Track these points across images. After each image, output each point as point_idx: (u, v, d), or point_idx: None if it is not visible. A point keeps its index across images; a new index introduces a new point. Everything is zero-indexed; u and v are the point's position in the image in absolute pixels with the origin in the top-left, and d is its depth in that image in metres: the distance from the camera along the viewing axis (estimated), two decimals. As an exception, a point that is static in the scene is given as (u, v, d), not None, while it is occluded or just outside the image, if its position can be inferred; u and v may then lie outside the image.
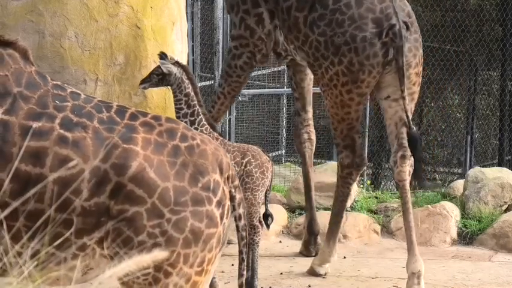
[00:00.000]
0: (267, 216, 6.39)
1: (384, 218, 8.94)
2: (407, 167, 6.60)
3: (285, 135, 11.84)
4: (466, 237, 8.56)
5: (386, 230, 8.78)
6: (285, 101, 11.83)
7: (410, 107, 6.65)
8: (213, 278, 6.17)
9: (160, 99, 7.30)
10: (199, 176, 3.28)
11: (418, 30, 6.74)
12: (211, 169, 3.31)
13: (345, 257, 7.87)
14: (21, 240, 3.11)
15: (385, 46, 6.38)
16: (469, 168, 10.21)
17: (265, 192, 6.32)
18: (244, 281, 3.67)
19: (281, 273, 7.24)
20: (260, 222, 6.34)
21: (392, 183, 13.10)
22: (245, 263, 3.64)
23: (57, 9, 7.60)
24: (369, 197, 9.41)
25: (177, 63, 6.11)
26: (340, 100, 6.57)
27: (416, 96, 6.78)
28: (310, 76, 7.48)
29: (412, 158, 6.59)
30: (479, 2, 12.99)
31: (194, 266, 3.26)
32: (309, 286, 6.86)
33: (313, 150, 7.89)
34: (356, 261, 7.75)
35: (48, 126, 3.20)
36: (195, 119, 6.06)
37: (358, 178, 7.08)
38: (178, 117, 6.07)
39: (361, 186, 9.88)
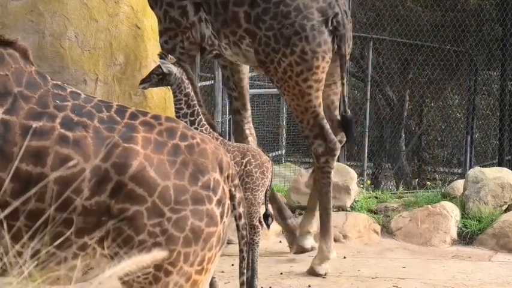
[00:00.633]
0: (267, 216, 6.39)
1: (384, 218, 8.95)
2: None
3: (285, 135, 11.85)
4: (466, 237, 8.56)
5: (386, 230, 8.78)
6: (285, 101, 11.82)
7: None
8: (213, 277, 6.17)
9: (160, 99, 7.30)
10: (199, 175, 3.28)
11: (350, 20, 7.00)
12: (211, 168, 3.32)
13: (345, 257, 7.87)
14: (22, 239, 3.11)
15: (332, 34, 6.57)
16: (469, 168, 10.21)
17: (265, 192, 6.33)
18: (244, 281, 3.67)
19: (281, 273, 7.24)
20: (260, 222, 6.34)
21: (392, 183, 13.11)
22: (245, 262, 3.64)
23: (57, 9, 7.61)
24: (369, 197, 9.41)
25: (177, 63, 6.11)
26: (298, 90, 6.67)
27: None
28: (248, 75, 7.55)
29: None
30: (479, 2, 13.00)
31: (194, 264, 3.27)
32: (309, 286, 6.86)
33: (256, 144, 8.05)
34: (356, 261, 7.75)
35: (48, 126, 3.20)
36: (195, 119, 6.06)
37: (331, 165, 7.14)
38: (178, 117, 6.07)
39: (361, 186, 9.88)
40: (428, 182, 11.78)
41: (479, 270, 7.57)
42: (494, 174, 8.97)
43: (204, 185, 3.28)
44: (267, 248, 7.97)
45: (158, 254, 2.82)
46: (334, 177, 9.09)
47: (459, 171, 13.24)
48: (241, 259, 3.62)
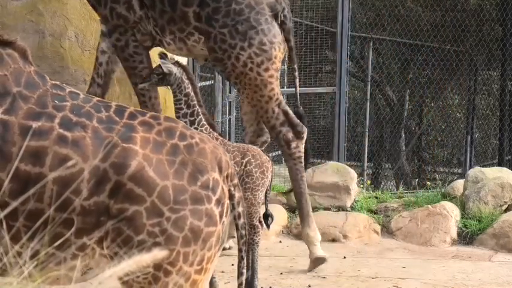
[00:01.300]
0: (267, 216, 6.40)
1: (384, 218, 8.94)
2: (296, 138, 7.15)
3: (285, 135, 11.82)
4: (466, 237, 8.56)
5: (387, 230, 8.78)
6: (284, 101, 11.82)
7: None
8: (213, 277, 6.17)
9: (161, 99, 7.30)
10: (198, 175, 3.28)
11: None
12: (210, 168, 3.32)
13: (345, 257, 7.87)
14: (21, 240, 3.11)
15: (280, 27, 6.79)
16: (469, 168, 10.21)
17: (265, 192, 6.33)
18: (244, 280, 3.67)
19: (281, 273, 7.24)
20: (260, 222, 6.34)
21: (392, 183, 13.11)
22: (244, 261, 3.64)
23: (57, 9, 7.62)
24: (369, 197, 9.41)
25: (177, 63, 6.11)
26: (260, 80, 6.79)
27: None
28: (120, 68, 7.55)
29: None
30: (479, 2, 13.00)
31: (194, 264, 3.27)
32: (309, 286, 6.86)
33: None
34: (356, 261, 7.75)
35: (47, 126, 3.20)
36: (195, 119, 6.06)
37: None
38: (178, 117, 6.07)
39: (361, 186, 9.88)
40: (428, 182, 11.78)
41: (479, 270, 7.57)
42: (494, 174, 8.97)
43: (203, 184, 3.27)
44: (267, 248, 7.97)
45: (158, 254, 2.82)
46: (334, 177, 9.13)
47: (459, 171, 13.24)
48: (240, 259, 3.62)
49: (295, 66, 6.99)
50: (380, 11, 13.10)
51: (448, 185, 10.12)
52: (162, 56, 6.17)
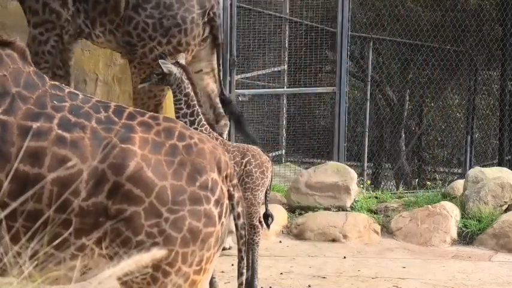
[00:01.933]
0: (267, 216, 6.40)
1: (384, 218, 8.95)
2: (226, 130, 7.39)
3: (285, 135, 11.85)
4: (466, 237, 8.56)
5: (387, 230, 8.78)
6: (285, 101, 11.83)
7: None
8: (213, 277, 6.18)
9: (160, 99, 7.29)
10: (197, 175, 3.27)
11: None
12: (209, 168, 3.31)
13: (345, 257, 7.87)
14: (20, 240, 3.11)
15: (205, 25, 6.85)
16: (469, 168, 10.21)
17: (265, 192, 6.33)
18: (244, 281, 3.66)
19: (281, 273, 7.24)
20: (260, 222, 6.34)
21: (392, 183, 13.12)
22: (244, 261, 3.64)
23: (57, 9, 7.59)
24: (369, 197, 9.41)
25: (177, 63, 6.11)
26: None
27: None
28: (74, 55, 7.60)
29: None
30: (479, 2, 12.99)
31: (193, 265, 3.26)
32: (309, 286, 6.86)
33: None
34: (356, 261, 7.75)
35: (46, 127, 3.20)
36: (195, 119, 6.06)
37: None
38: (177, 117, 6.07)
39: (361, 186, 9.88)
40: (428, 182, 11.78)
41: (479, 270, 7.57)
42: (494, 174, 8.97)
43: (202, 185, 3.27)
44: (267, 248, 7.97)
45: (157, 253, 2.82)
46: (334, 177, 9.14)
47: (459, 171, 13.23)
48: (240, 259, 3.62)
49: (220, 61, 7.07)
50: (380, 11, 13.10)
51: (448, 185, 10.12)
52: (162, 56, 6.17)
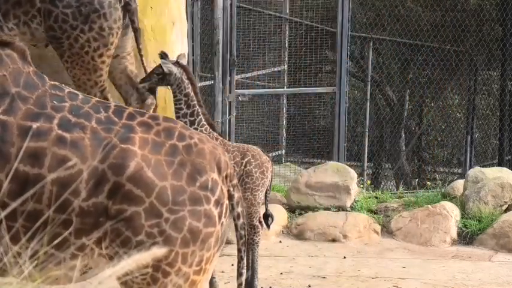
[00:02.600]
0: (268, 216, 6.39)
1: (384, 218, 8.95)
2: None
3: (285, 135, 11.86)
4: (466, 237, 8.56)
5: (386, 230, 8.78)
6: (285, 101, 11.83)
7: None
8: (213, 277, 6.18)
9: (160, 99, 7.30)
10: (197, 175, 3.27)
11: None
12: (209, 168, 3.31)
13: (345, 257, 7.87)
14: (20, 240, 3.10)
15: (124, 9, 6.84)
16: (469, 168, 10.21)
17: (265, 193, 6.32)
18: (244, 281, 3.66)
19: (281, 273, 7.24)
20: (260, 222, 6.34)
21: (392, 183, 13.12)
22: (244, 261, 3.64)
23: (57, 9, 7.59)
24: (369, 197, 9.41)
25: (177, 63, 6.11)
26: (93, 65, 6.90)
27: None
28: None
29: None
30: (479, 2, 12.99)
31: (193, 265, 3.26)
32: (309, 286, 6.86)
33: None
34: (356, 261, 7.75)
35: (46, 127, 3.20)
36: (195, 119, 6.06)
37: None
38: (178, 117, 6.07)
39: (361, 186, 9.88)
40: (428, 182, 11.78)
41: (479, 270, 7.57)
42: (494, 174, 8.97)
43: (202, 185, 3.27)
44: (267, 248, 7.97)
45: (158, 252, 2.82)
46: (334, 177, 9.14)
47: (459, 171, 13.23)
48: (239, 259, 3.61)
49: (141, 46, 7.06)
50: (380, 11, 13.10)
51: (448, 185, 10.12)
52: (163, 55, 6.17)
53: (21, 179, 3.12)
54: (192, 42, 10.36)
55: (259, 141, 11.41)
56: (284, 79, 11.90)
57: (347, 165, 9.75)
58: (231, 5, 9.90)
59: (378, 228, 8.74)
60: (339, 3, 10.26)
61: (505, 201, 8.80)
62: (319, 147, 11.53)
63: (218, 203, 3.31)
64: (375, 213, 9.07)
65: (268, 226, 6.44)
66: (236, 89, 10.16)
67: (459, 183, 9.37)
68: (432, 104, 14.17)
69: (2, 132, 3.15)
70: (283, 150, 11.89)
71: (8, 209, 3.00)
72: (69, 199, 3.13)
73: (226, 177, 3.40)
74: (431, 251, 8.29)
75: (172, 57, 6.41)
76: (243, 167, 6.16)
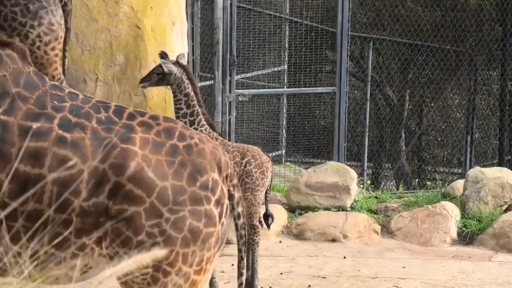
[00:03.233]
0: (268, 216, 6.39)
1: (384, 218, 8.95)
2: None
3: (285, 135, 11.86)
4: (466, 237, 8.56)
5: (386, 230, 8.78)
6: (285, 101, 11.83)
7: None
8: (213, 277, 6.18)
9: (160, 99, 7.31)
10: (197, 175, 3.27)
11: None
12: (209, 168, 3.31)
13: (345, 257, 7.87)
14: (20, 240, 3.10)
15: (62, 9, 6.99)
16: (469, 168, 10.21)
17: (266, 193, 6.32)
18: (244, 281, 3.66)
19: (281, 273, 7.24)
20: (260, 222, 6.34)
21: (392, 183, 13.12)
22: (244, 261, 3.64)
23: (57, 9, 7.60)
24: (369, 197, 9.41)
25: (177, 63, 6.11)
26: (47, 59, 6.97)
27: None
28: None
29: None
30: (479, 2, 12.99)
31: (193, 265, 3.26)
32: (309, 286, 6.86)
33: None
34: (356, 261, 7.75)
35: (46, 127, 3.20)
36: (195, 119, 6.06)
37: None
38: (177, 117, 6.07)
39: (361, 186, 9.88)
40: (428, 182, 11.78)
41: (479, 270, 7.57)
42: (494, 174, 8.97)
43: (203, 185, 3.27)
44: (267, 248, 7.98)
45: (158, 253, 2.82)
46: (334, 177, 9.14)
47: (459, 171, 13.23)
48: (240, 259, 3.61)
49: (67, 47, 7.13)
50: (380, 11, 13.10)
51: (448, 185, 10.12)
52: (163, 55, 6.17)
53: (21, 179, 3.12)
54: (192, 42, 10.36)
55: (259, 141, 11.41)
56: (284, 79, 11.90)
57: (347, 165, 9.75)
58: (231, 5, 9.90)
59: (378, 228, 8.74)
60: (339, 3, 10.26)
61: (505, 201, 8.80)
62: (319, 147, 11.53)
63: (218, 203, 3.31)
64: (375, 213, 9.08)
65: (268, 226, 6.44)
66: (236, 89, 10.16)
67: (459, 183, 9.37)
68: (432, 104, 14.17)
69: (2, 133, 3.15)
70: (283, 150, 11.90)
71: (8, 209, 3.00)
72: (70, 199, 3.13)
73: (226, 177, 3.40)
74: (431, 251, 8.29)
75: (172, 57, 6.40)
76: (242, 167, 6.16)
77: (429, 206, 8.80)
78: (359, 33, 12.71)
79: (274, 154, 11.56)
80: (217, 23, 9.93)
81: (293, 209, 9.09)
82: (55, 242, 3.06)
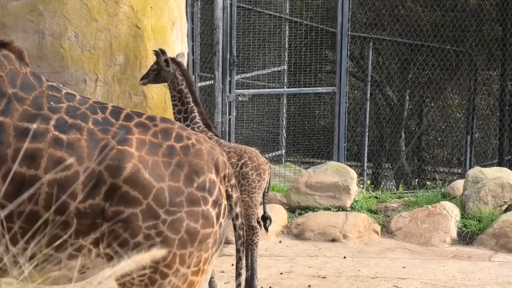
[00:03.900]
0: (265, 218, 6.37)
1: (384, 218, 8.94)
2: None
3: (285, 135, 11.86)
4: (466, 237, 8.56)
5: (386, 230, 8.78)
6: (285, 101, 11.83)
7: None
8: (212, 277, 6.17)
9: (160, 99, 7.30)
10: (194, 176, 3.26)
11: None
12: (206, 169, 3.30)
13: (345, 257, 7.87)
14: (17, 241, 3.10)
15: None
16: (469, 168, 10.21)
17: (263, 195, 6.29)
18: (243, 281, 3.65)
19: (281, 273, 7.24)
20: (259, 223, 6.32)
21: (392, 183, 13.12)
22: (242, 262, 3.63)
23: (57, 9, 7.61)
24: (369, 197, 9.41)
25: (172, 60, 6.13)
26: None
27: None
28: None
29: None
30: (479, 1, 12.99)
31: (190, 266, 3.25)
32: (309, 286, 6.86)
33: None
34: (356, 261, 7.75)
35: (43, 128, 3.19)
36: (188, 116, 6.07)
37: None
38: (174, 113, 6.12)
39: (361, 186, 9.88)
40: (428, 182, 11.78)
41: (479, 270, 7.57)
42: (494, 174, 8.96)
43: (200, 186, 3.26)
44: (267, 248, 7.98)
45: (157, 253, 2.82)
46: (334, 177, 9.13)
47: (459, 171, 13.23)
48: (238, 259, 3.61)
49: None
50: (380, 11, 13.10)
51: (448, 185, 10.12)
52: (158, 52, 6.18)
53: (17, 181, 3.12)
54: (192, 42, 10.36)
55: (259, 141, 11.41)
56: (284, 79, 11.89)
57: (347, 165, 9.75)
58: (231, 5, 9.90)
59: (378, 228, 8.74)
60: (339, 3, 10.26)
61: (505, 201, 8.80)
62: (319, 147, 11.53)
63: (216, 203, 3.30)
64: (375, 213, 9.07)
65: (266, 229, 6.41)
66: (236, 89, 10.16)
67: (459, 183, 9.36)
68: (432, 104, 14.17)
69: (-2, 134, 3.15)
70: (283, 150, 11.89)
71: (5, 210, 3.00)
72: (66, 201, 3.12)
73: (224, 177, 3.39)
74: (431, 251, 8.29)
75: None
76: (238, 169, 6.13)
77: (429, 206, 8.80)
78: (359, 33, 12.71)
79: (274, 154, 11.56)
80: (217, 23, 9.93)
81: (293, 209, 9.09)
82: (54, 244, 3.06)
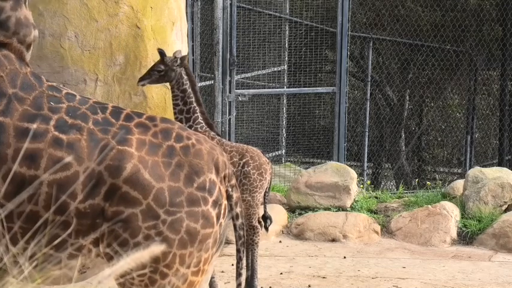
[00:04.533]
0: (266, 218, 6.37)
1: (384, 218, 8.95)
2: None
3: (284, 135, 11.86)
4: (466, 237, 8.56)
5: (386, 230, 8.78)
6: (285, 101, 11.83)
7: None
8: (213, 277, 6.17)
9: (160, 99, 7.30)
10: (194, 176, 3.26)
11: None
12: (206, 169, 3.30)
13: (345, 257, 7.87)
14: (17, 241, 3.10)
15: None
16: (469, 168, 10.21)
17: (264, 194, 6.29)
18: (243, 281, 3.66)
19: (281, 273, 7.24)
20: (259, 222, 6.33)
21: (392, 183, 13.12)
22: (243, 262, 3.63)
23: (57, 9, 7.61)
24: (369, 197, 9.41)
25: (176, 59, 6.12)
26: None
27: None
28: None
29: None
30: (479, 1, 12.99)
31: (190, 266, 3.25)
32: (309, 286, 6.86)
33: None
34: (356, 261, 7.75)
35: (43, 128, 3.19)
36: (191, 116, 6.05)
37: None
38: (174, 113, 6.10)
39: (361, 186, 9.88)
40: (428, 182, 11.78)
41: (479, 270, 7.57)
42: (494, 174, 8.97)
43: (200, 186, 3.26)
44: (267, 248, 7.98)
45: (156, 249, 2.81)
46: (334, 177, 9.14)
47: (459, 171, 13.24)
48: (238, 259, 3.61)
49: None
50: (380, 11, 13.10)
51: (448, 185, 10.12)
52: (162, 52, 6.18)
53: (17, 181, 3.12)
54: (192, 42, 10.36)
55: (259, 141, 11.41)
56: (284, 79, 11.89)
57: (347, 165, 9.75)
58: (231, 5, 9.90)
59: (378, 228, 8.74)
60: (339, 3, 10.26)
61: (504, 201, 8.80)
62: (319, 147, 11.53)
63: (216, 203, 3.30)
64: (375, 213, 9.08)
65: (266, 228, 6.42)
66: (236, 89, 10.16)
67: (459, 183, 9.37)
68: (432, 104, 14.18)
69: (-2, 134, 3.15)
70: (283, 150, 11.90)
71: (4, 210, 3.00)
72: (66, 201, 3.12)
73: (224, 177, 3.39)
74: (431, 251, 8.29)
75: (172, 57, 6.41)
76: (240, 168, 6.13)
77: (429, 206, 8.80)
78: (359, 33, 12.71)
79: (274, 154, 11.57)
80: (217, 23, 9.93)
81: (293, 209, 9.09)
82: (54, 243, 3.06)
